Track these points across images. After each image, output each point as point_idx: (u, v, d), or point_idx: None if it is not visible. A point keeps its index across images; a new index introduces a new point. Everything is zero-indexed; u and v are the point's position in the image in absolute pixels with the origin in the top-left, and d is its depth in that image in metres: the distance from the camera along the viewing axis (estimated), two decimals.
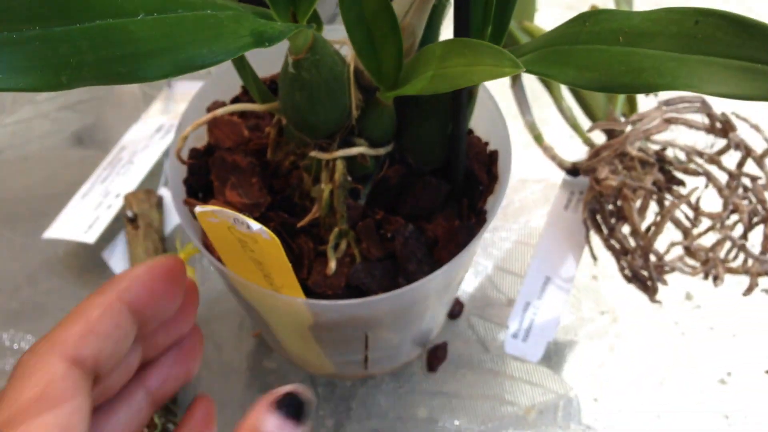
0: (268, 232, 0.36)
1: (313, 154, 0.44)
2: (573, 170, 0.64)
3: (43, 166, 0.68)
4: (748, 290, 0.56)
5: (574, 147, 0.70)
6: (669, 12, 0.31)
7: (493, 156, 0.49)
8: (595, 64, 0.33)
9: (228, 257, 0.42)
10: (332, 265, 0.45)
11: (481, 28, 0.39)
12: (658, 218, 0.55)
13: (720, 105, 0.53)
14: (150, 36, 0.27)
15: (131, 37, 0.26)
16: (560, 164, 0.65)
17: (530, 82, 0.70)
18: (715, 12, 0.29)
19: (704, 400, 0.57)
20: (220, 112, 0.45)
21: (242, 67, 0.45)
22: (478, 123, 0.51)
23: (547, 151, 0.65)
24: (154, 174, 0.65)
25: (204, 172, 0.48)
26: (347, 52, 0.44)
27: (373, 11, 0.38)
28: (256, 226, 0.36)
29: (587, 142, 0.65)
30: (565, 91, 0.67)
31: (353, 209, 0.45)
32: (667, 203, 0.57)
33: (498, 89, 0.50)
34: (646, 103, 0.64)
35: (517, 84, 0.68)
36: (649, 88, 0.30)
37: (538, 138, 0.66)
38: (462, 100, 0.42)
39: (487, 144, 0.50)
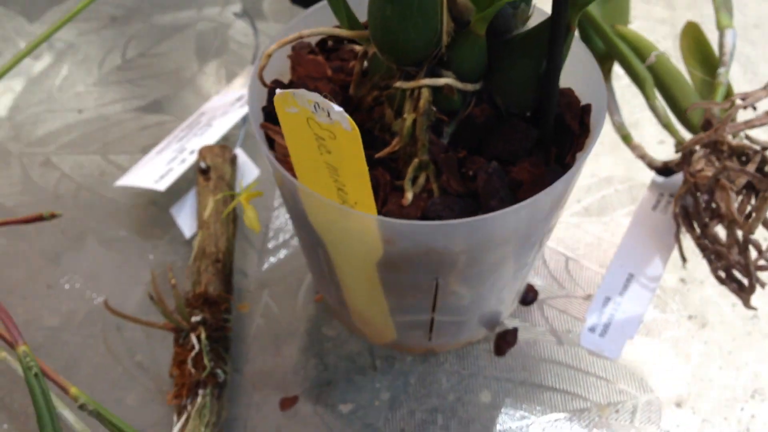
0: (348, 120, 0.35)
1: (398, 84, 0.43)
2: (664, 169, 0.61)
3: (120, 127, 0.69)
4: None
5: (663, 152, 0.67)
6: None
7: (586, 108, 0.47)
8: None
9: (301, 167, 0.40)
10: (408, 196, 0.43)
11: None
12: (760, 203, 0.51)
13: None
14: None
15: None
16: (650, 163, 0.62)
17: (620, 84, 0.68)
18: None
19: None
20: (307, 32, 0.44)
21: None
22: (573, 80, 0.49)
23: (636, 149, 0.62)
24: (231, 138, 0.65)
25: None
26: None
27: None
28: (337, 108, 0.34)
29: (680, 143, 0.62)
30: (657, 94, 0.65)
31: (436, 145, 0.43)
32: None
33: None
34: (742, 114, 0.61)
35: (606, 84, 0.66)
36: None
37: (626, 138, 0.63)
38: (559, 32, 0.40)
39: (580, 100, 0.48)
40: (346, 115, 0.34)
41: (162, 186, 0.58)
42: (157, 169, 0.60)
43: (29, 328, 0.56)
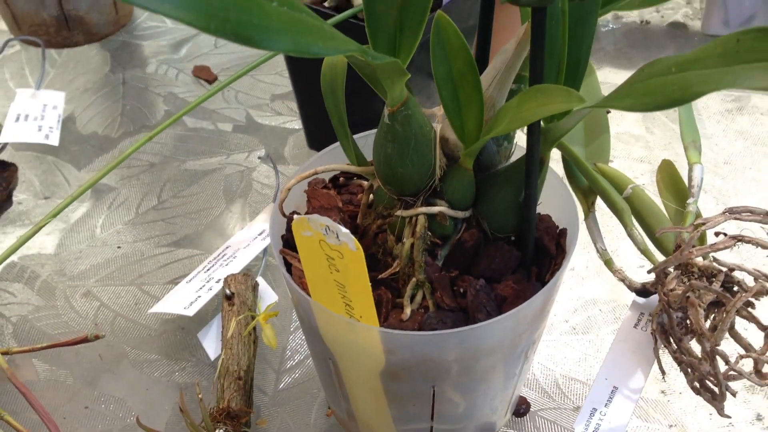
0: (354, 241, 0.39)
1: (399, 212, 0.48)
2: (642, 291, 0.65)
3: (154, 261, 0.73)
4: None
5: (642, 275, 0.71)
6: (714, 42, 0.34)
7: (562, 232, 0.51)
8: (651, 90, 0.36)
9: (314, 285, 0.44)
10: (407, 311, 0.47)
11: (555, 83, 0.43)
12: (724, 316, 0.54)
13: None
14: (280, 19, 0.32)
15: (266, 13, 0.31)
16: (630, 285, 0.65)
17: (602, 215, 0.72)
18: (753, 29, 0.32)
19: None
20: (321, 169, 0.49)
21: (345, 136, 0.50)
22: (551, 207, 0.53)
23: (618, 273, 0.66)
24: (253, 267, 0.69)
25: None
26: (435, 123, 0.48)
27: (460, 71, 0.42)
28: (344, 231, 0.39)
29: (655, 265, 0.66)
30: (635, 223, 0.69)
31: (431, 267, 0.48)
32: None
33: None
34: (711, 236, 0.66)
35: (590, 216, 0.71)
36: (698, 95, 0.33)
37: (608, 263, 0.67)
38: (533, 165, 0.45)
39: (557, 225, 0.53)
40: (352, 237, 0.39)
41: (191, 312, 0.62)
42: (186, 297, 0.64)
43: None
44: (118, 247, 0.75)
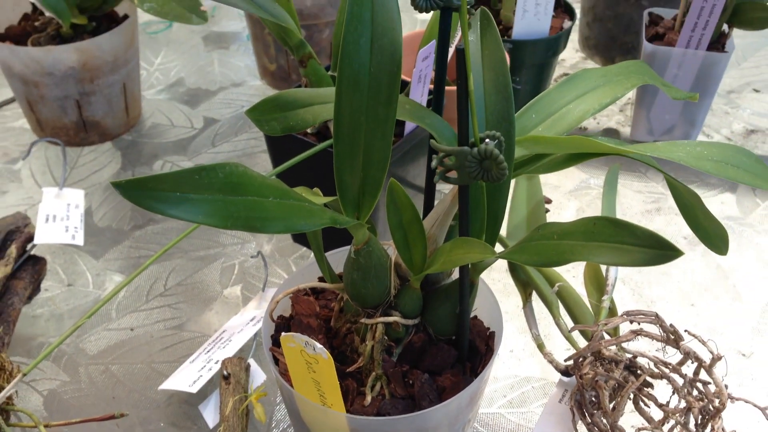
0: (326, 353, 0.52)
1: (363, 320, 0.61)
2: (566, 372, 0.78)
3: (162, 341, 0.86)
4: None
5: (568, 356, 0.84)
6: (582, 220, 0.48)
7: (491, 335, 0.65)
8: (539, 251, 0.50)
9: (296, 380, 0.57)
10: (368, 399, 0.60)
11: (480, 232, 0.56)
12: (620, 399, 0.68)
13: (674, 318, 0.68)
14: (275, 210, 0.45)
15: (265, 208, 0.45)
16: (557, 367, 0.78)
17: (538, 305, 0.86)
18: (603, 217, 0.46)
19: None
20: (303, 286, 0.63)
21: (321, 260, 0.63)
22: (483, 312, 0.67)
23: (547, 356, 0.79)
24: (245, 349, 0.82)
25: (286, 331, 0.64)
26: (390, 252, 0.62)
27: (408, 220, 0.56)
28: (318, 346, 0.52)
29: (573, 353, 0.79)
30: (563, 312, 0.83)
31: (387, 363, 0.61)
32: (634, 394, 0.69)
33: (513, 310, 0.66)
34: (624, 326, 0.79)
35: (527, 306, 0.84)
36: (567, 261, 0.46)
37: (540, 346, 0.80)
38: (465, 287, 0.59)
39: (488, 328, 0.66)
40: (325, 350, 0.52)
41: (194, 389, 0.74)
42: (190, 376, 0.77)
43: None
44: (131, 330, 0.87)
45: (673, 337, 0.71)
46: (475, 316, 0.67)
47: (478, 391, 0.62)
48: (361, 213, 0.55)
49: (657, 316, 0.71)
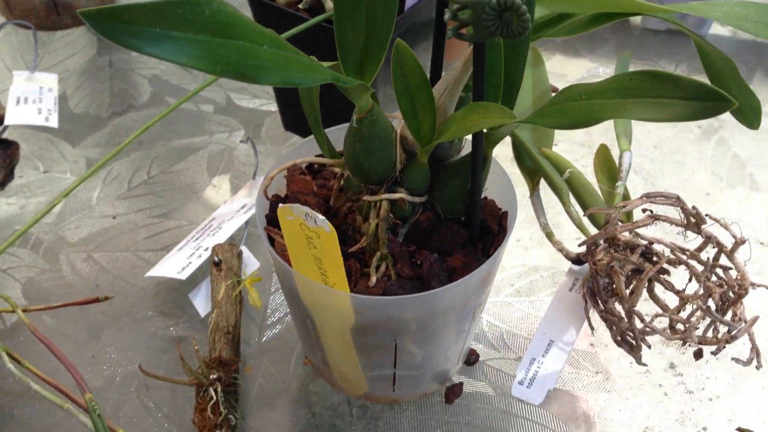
0: (329, 225, 0.48)
1: (366, 197, 0.57)
2: (577, 260, 0.75)
3: (147, 230, 0.82)
4: (717, 351, 0.64)
5: (578, 246, 0.82)
6: (614, 77, 0.44)
7: (504, 214, 0.61)
8: (566, 113, 0.45)
9: (295, 258, 0.53)
10: (373, 279, 0.56)
11: (494, 100, 0.52)
12: (637, 283, 0.65)
13: (694, 201, 0.65)
14: (270, 59, 0.40)
15: (259, 55, 0.40)
16: (567, 255, 0.75)
17: (545, 194, 0.82)
18: (642, 71, 0.42)
19: None
20: (299, 161, 0.58)
21: (320, 133, 0.59)
22: (495, 193, 0.63)
23: (557, 244, 0.76)
24: (236, 238, 0.78)
25: None
26: (396, 125, 0.57)
27: (416, 84, 0.51)
28: (320, 218, 0.48)
29: (587, 239, 0.76)
30: (573, 201, 0.79)
31: (393, 242, 0.57)
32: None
33: (519, 200, 0.62)
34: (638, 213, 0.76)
35: (534, 194, 0.81)
36: (599, 121, 0.42)
37: (549, 235, 0.77)
38: (478, 161, 0.55)
39: (500, 208, 0.62)
40: (327, 222, 0.48)
41: (184, 276, 0.71)
42: (179, 263, 0.73)
43: (77, 390, 0.67)
44: (114, 218, 0.83)
45: (694, 220, 0.68)
46: (486, 197, 0.63)
47: (490, 272, 0.58)
48: (365, 76, 0.51)
49: (678, 198, 0.68)
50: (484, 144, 0.54)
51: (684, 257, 0.67)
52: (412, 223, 0.58)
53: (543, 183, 0.78)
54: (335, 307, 0.55)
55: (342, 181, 0.60)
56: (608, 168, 0.79)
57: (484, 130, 0.53)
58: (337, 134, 0.62)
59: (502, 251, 0.58)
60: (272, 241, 0.59)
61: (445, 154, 0.59)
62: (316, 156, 0.62)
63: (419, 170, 0.56)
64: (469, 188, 0.57)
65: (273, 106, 0.97)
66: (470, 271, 0.55)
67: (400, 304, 0.54)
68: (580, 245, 0.72)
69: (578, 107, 0.45)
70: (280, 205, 0.49)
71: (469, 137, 0.55)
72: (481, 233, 0.60)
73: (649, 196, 0.68)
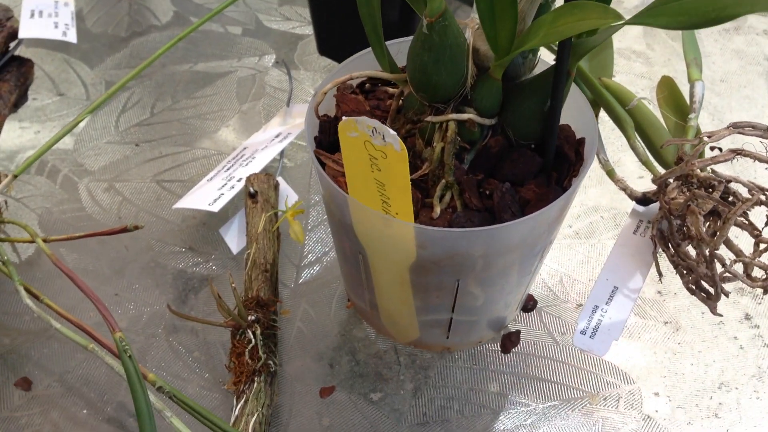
0: (400, 142, 0.42)
1: (429, 118, 0.51)
2: (642, 199, 0.68)
3: (172, 159, 0.76)
4: None
5: (642, 185, 0.75)
6: None
7: (581, 141, 0.55)
8: (686, 10, 0.38)
9: (353, 183, 0.47)
10: (437, 210, 0.50)
11: None
12: (723, 224, 0.59)
13: (758, 146, 0.58)
14: None
15: None
16: (631, 194, 0.69)
17: (605, 128, 0.76)
18: None
19: (761, 406, 0.59)
20: (356, 74, 0.52)
21: (379, 44, 0.52)
22: (570, 118, 0.57)
23: (619, 183, 0.70)
24: (269, 169, 0.72)
25: (332, 132, 0.54)
26: (468, 34, 0.50)
27: None
28: (391, 132, 0.42)
29: (657, 176, 0.69)
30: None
31: (458, 170, 0.51)
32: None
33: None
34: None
35: None
36: (733, 16, 0.36)
37: (610, 173, 0.71)
38: (561, 76, 0.48)
39: (576, 135, 0.56)
40: (398, 138, 0.42)
41: (216, 208, 0.65)
42: (210, 194, 0.67)
43: (102, 329, 0.62)
44: (136, 145, 0.77)
45: None
46: (561, 122, 0.57)
47: (566, 205, 0.52)
48: None
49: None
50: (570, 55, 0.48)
51: (763, 198, 0.61)
52: (480, 149, 0.52)
53: (601, 116, 0.72)
54: (396, 241, 0.49)
55: (401, 101, 0.54)
56: (674, 101, 0.72)
57: (573, 39, 0.46)
58: (394, 50, 0.56)
59: (580, 182, 0.51)
60: (323, 166, 0.53)
61: (518, 72, 0.53)
62: (376, 71, 0.56)
63: (491, 87, 0.50)
64: (547, 109, 0.50)
65: (306, 29, 0.90)
66: (546, 204, 0.49)
67: (469, 238, 0.48)
68: (653, 181, 0.66)
69: (702, 2, 0.38)
70: (344, 117, 0.43)
71: (543, 53, 0.49)
72: (556, 161, 0.53)
73: (736, 126, 0.62)
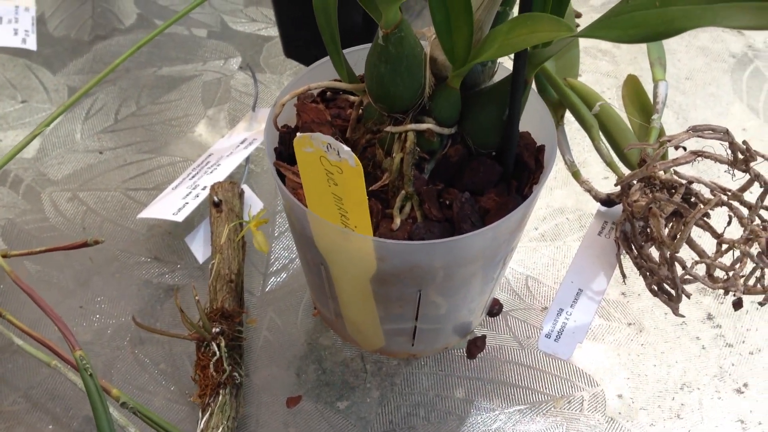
0: (354, 158, 0.42)
1: (388, 128, 0.50)
2: (607, 201, 0.69)
3: (137, 167, 0.75)
4: (766, 301, 0.59)
5: (607, 186, 0.76)
6: None
7: (541, 148, 0.55)
8: (637, 23, 0.39)
9: (311, 197, 0.47)
10: (397, 221, 0.50)
11: (542, 9, 0.45)
12: (683, 227, 0.59)
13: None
14: None
15: None
16: (596, 196, 0.69)
17: (571, 128, 0.76)
18: None
19: (722, 406, 0.60)
20: (314, 85, 0.52)
21: (337, 53, 0.52)
22: (530, 125, 0.57)
23: (584, 184, 0.70)
24: (236, 176, 0.72)
25: (291, 142, 0.54)
26: (425, 45, 0.50)
27: None
28: (345, 149, 0.42)
29: (621, 177, 0.70)
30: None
31: (418, 180, 0.51)
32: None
33: None
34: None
35: (559, 129, 0.74)
36: (681, 31, 0.36)
37: (576, 174, 0.71)
38: (518, 86, 0.48)
39: (536, 142, 0.56)
40: (353, 154, 0.42)
41: (180, 217, 0.65)
42: (174, 204, 0.66)
43: (65, 343, 0.61)
44: (100, 153, 0.76)
45: (743, 157, 0.62)
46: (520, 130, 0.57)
47: (526, 214, 0.52)
48: None
49: (727, 131, 0.62)
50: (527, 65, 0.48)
51: (725, 198, 0.62)
52: (439, 158, 0.52)
53: (567, 117, 0.72)
54: (355, 254, 0.49)
55: (360, 110, 0.53)
56: (639, 100, 0.72)
57: (529, 49, 0.46)
58: (354, 57, 0.55)
59: (540, 190, 0.51)
60: (283, 179, 0.52)
61: (477, 80, 0.53)
62: (333, 81, 0.55)
63: (450, 97, 0.50)
64: (506, 118, 0.50)
65: (273, 31, 0.89)
66: (506, 213, 0.49)
67: (429, 250, 0.48)
68: (616, 184, 0.66)
69: (652, 16, 0.38)
70: (298, 134, 0.42)
71: (503, 60, 0.49)
72: (515, 169, 0.53)
73: (696, 129, 0.62)
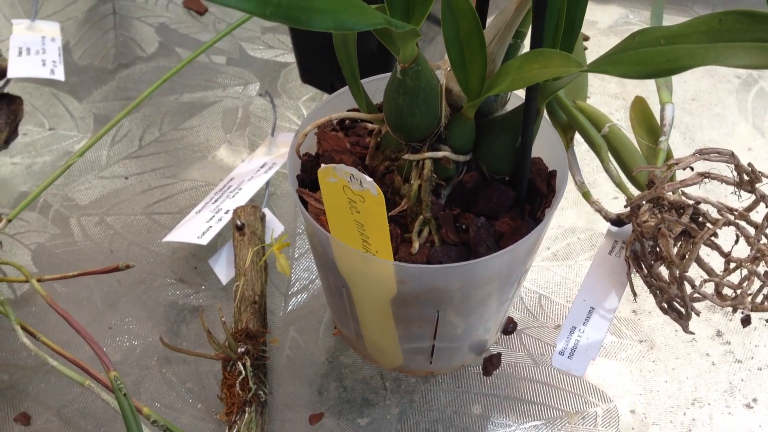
0: (376, 188, 0.44)
1: (406, 156, 0.53)
2: (617, 221, 0.71)
3: (161, 191, 0.78)
4: None
5: (617, 206, 0.78)
6: (698, 18, 0.39)
7: (552, 173, 0.57)
8: (642, 60, 0.41)
9: (334, 224, 0.49)
10: (416, 245, 0.52)
11: (552, 46, 0.47)
12: (692, 247, 0.61)
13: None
14: (321, 1, 0.36)
15: None
16: (606, 216, 0.71)
17: (580, 150, 0.78)
18: (734, 11, 0.37)
19: (732, 420, 0.61)
20: (335, 116, 0.54)
21: (356, 85, 0.54)
22: (541, 151, 0.59)
23: (595, 204, 0.72)
24: (257, 199, 0.74)
25: (313, 170, 0.56)
26: (440, 75, 0.53)
27: (466, 32, 0.47)
28: (367, 179, 0.44)
29: (630, 199, 0.72)
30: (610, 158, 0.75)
31: (435, 205, 0.53)
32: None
33: None
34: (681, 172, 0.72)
35: (569, 150, 0.76)
36: (684, 69, 0.38)
37: (586, 194, 0.73)
38: (530, 115, 0.51)
39: (547, 167, 0.58)
40: (375, 184, 0.44)
41: (204, 241, 0.67)
42: (198, 227, 0.69)
43: (96, 363, 0.64)
44: (125, 178, 0.79)
45: (748, 178, 0.63)
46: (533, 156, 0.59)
47: (540, 237, 0.54)
48: (412, 19, 0.46)
49: (733, 154, 0.64)
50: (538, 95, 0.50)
51: (732, 218, 0.64)
52: (455, 184, 0.54)
53: (577, 139, 0.74)
54: (376, 277, 0.51)
55: (379, 138, 0.56)
56: (647, 122, 0.75)
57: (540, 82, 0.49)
58: (372, 87, 0.58)
59: (552, 214, 0.54)
60: (305, 205, 0.55)
61: (490, 109, 0.55)
62: (351, 110, 0.58)
63: (465, 126, 0.52)
64: (518, 145, 0.53)
65: (289, 57, 0.92)
66: (520, 236, 0.51)
67: (447, 273, 0.50)
68: (626, 206, 0.68)
69: (658, 53, 0.40)
70: (322, 165, 0.45)
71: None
72: (528, 194, 0.56)
73: (702, 152, 0.64)
